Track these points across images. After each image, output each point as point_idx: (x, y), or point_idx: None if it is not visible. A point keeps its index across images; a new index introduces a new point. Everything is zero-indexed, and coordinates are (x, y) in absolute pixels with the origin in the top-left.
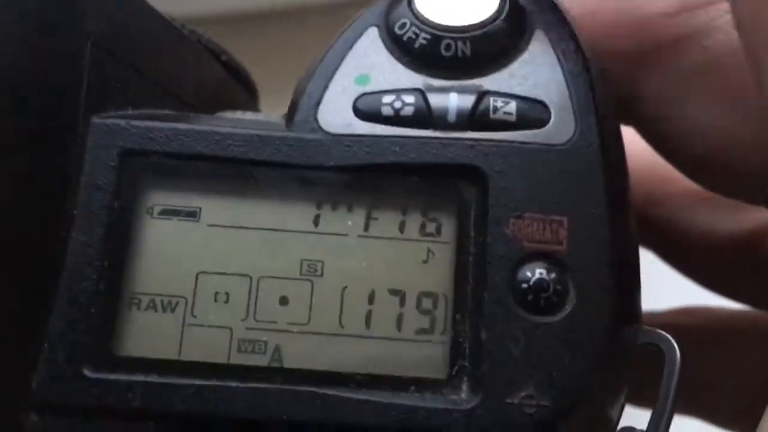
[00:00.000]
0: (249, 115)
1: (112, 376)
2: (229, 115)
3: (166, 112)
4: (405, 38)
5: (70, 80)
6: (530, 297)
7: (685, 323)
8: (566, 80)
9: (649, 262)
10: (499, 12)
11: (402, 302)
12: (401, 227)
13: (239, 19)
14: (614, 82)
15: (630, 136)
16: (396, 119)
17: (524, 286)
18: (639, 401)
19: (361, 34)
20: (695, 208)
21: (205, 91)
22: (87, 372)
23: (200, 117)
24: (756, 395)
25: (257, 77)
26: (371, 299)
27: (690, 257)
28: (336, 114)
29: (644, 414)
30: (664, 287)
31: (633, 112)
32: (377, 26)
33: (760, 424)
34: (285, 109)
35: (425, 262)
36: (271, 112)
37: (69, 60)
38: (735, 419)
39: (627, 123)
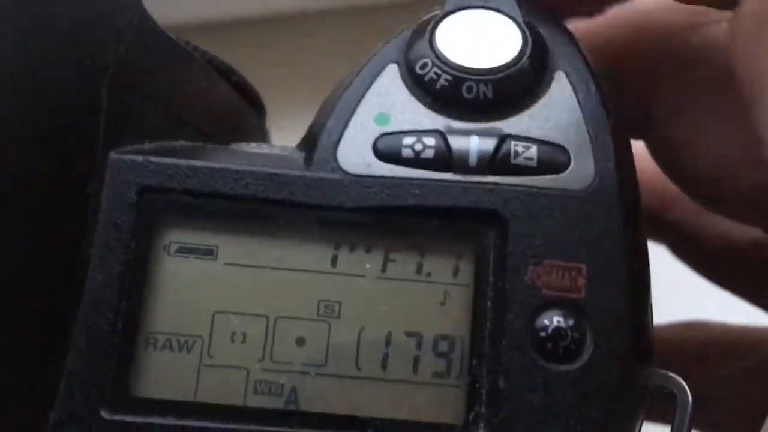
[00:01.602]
0: (265, 149)
1: (129, 418)
2: (245, 148)
3: (182, 143)
4: (426, 78)
5: (90, 113)
6: (549, 345)
7: (687, 337)
8: (586, 124)
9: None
10: (521, 54)
11: (419, 345)
12: (419, 269)
13: (239, 25)
14: (627, 97)
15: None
16: (416, 161)
17: (543, 334)
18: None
19: (381, 71)
20: (706, 212)
21: (217, 116)
22: (104, 414)
23: (218, 150)
24: (753, 413)
25: (258, 83)
26: (388, 341)
27: (705, 258)
28: (356, 154)
29: None
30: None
31: (644, 127)
32: (397, 63)
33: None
34: (284, 117)
35: (443, 304)
36: (276, 118)
37: (89, 93)
38: None
39: (638, 137)
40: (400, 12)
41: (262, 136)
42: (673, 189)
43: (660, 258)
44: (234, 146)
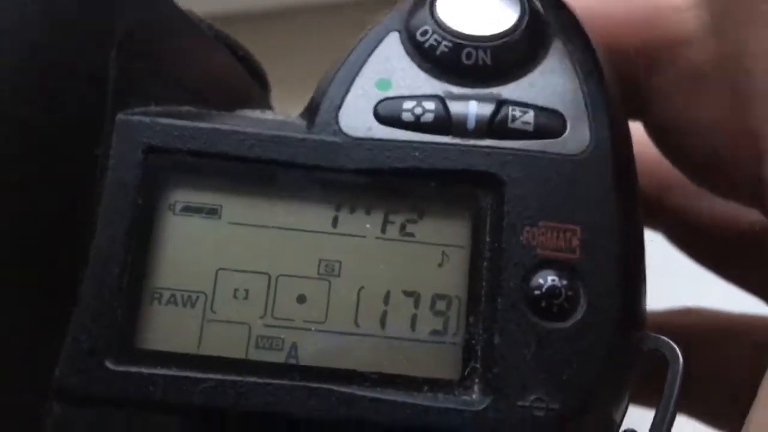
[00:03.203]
0: (269, 115)
1: (133, 369)
2: (249, 113)
3: (189, 108)
4: (426, 45)
5: (98, 77)
6: (543, 303)
7: (684, 323)
8: (582, 91)
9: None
10: (519, 22)
11: (416, 303)
12: (417, 230)
13: (244, 18)
14: (624, 80)
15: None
16: (416, 125)
17: (537, 292)
18: (638, 400)
19: (382, 39)
20: (702, 197)
21: (224, 87)
22: (109, 364)
23: (222, 115)
24: (747, 399)
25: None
26: (387, 300)
27: (700, 244)
28: (357, 117)
29: (641, 413)
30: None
31: (641, 109)
32: (398, 31)
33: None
34: (290, 105)
35: (440, 265)
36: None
37: (98, 58)
38: (729, 421)
39: (635, 119)
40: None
41: (268, 108)
42: (671, 174)
43: (658, 245)
44: (239, 112)
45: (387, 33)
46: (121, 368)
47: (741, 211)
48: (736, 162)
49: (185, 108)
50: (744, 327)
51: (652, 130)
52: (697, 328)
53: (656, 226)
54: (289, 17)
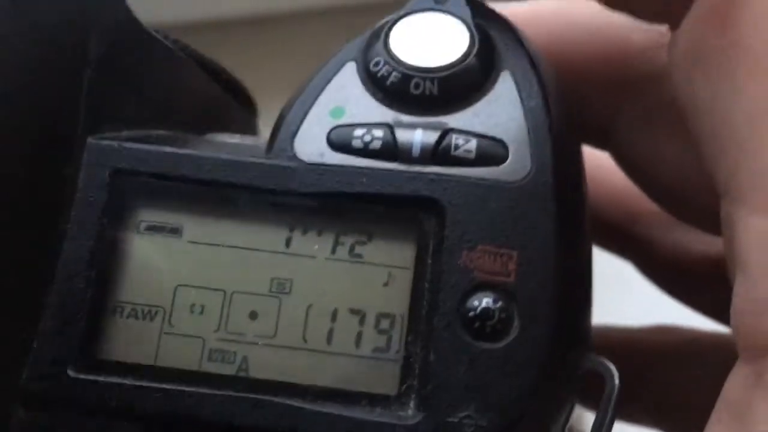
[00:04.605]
0: (235, 139)
1: (92, 377)
2: (218, 138)
3: (159, 132)
4: (379, 75)
5: (70, 101)
6: (476, 324)
7: (657, 341)
8: (526, 120)
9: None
10: (467, 53)
11: (362, 322)
12: (365, 252)
13: (227, 25)
14: (592, 110)
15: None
16: (365, 151)
17: (471, 313)
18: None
19: (340, 68)
20: (670, 227)
21: (201, 111)
22: (70, 372)
23: (189, 139)
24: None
25: (253, 82)
26: (334, 317)
27: (665, 273)
28: (311, 144)
29: None
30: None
31: (609, 139)
32: (355, 61)
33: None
34: (272, 116)
35: (386, 285)
36: (270, 116)
37: (70, 82)
38: None
39: (603, 148)
40: (389, 12)
41: (252, 131)
42: (641, 201)
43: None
44: (209, 136)
45: (345, 62)
46: (80, 376)
47: (710, 240)
48: (698, 195)
49: (155, 132)
50: (712, 344)
51: (620, 159)
52: (672, 346)
53: (624, 254)
54: (279, 24)
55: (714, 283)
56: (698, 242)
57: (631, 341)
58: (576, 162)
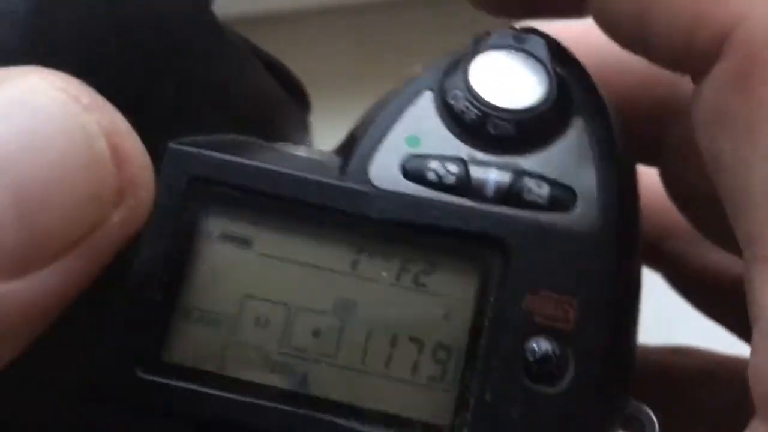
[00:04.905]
0: (304, 151)
1: (159, 380)
2: (290, 149)
3: (233, 137)
4: (457, 109)
5: (154, 101)
6: (534, 367)
7: (676, 362)
8: (596, 171)
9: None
10: (546, 99)
11: (420, 350)
12: (429, 282)
13: (234, 24)
14: (642, 129)
15: (647, 168)
16: (438, 185)
17: (530, 357)
18: None
19: (417, 96)
20: (703, 244)
21: (262, 107)
22: (139, 372)
23: (263, 148)
24: None
25: None
26: (393, 343)
27: (694, 287)
28: (385, 170)
29: None
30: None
31: (656, 157)
32: (432, 90)
33: None
34: None
35: (445, 316)
36: None
37: (156, 83)
38: None
39: (650, 164)
40: (397, 12)
41: (304, 128)
42: (674, 218)
43: (656, 282)
44: (279, 146)
45: (422, 90)
46: (148, 377)
47: (729, 263)
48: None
49: (230, 137)
50: (732, 368)
51: (664, 177)
52: (686, 369)
53: (656, 268)
54: (288, 22)
55: (740, 301)
56: (728, 260)
57: (646, 361)
58: (637, 206)
